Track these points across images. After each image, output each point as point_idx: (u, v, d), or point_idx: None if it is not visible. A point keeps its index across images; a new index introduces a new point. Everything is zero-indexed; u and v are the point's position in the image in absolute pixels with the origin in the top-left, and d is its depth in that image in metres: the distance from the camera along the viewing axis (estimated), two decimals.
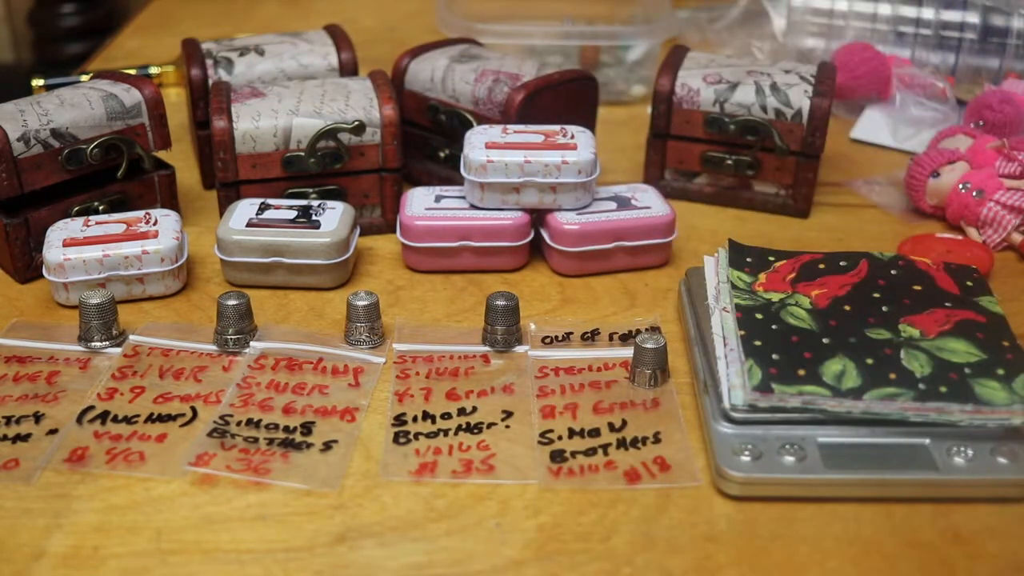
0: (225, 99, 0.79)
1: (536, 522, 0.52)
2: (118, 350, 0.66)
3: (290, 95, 0.80)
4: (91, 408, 0.60)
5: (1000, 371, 0.57)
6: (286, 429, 0.58)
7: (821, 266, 0.67)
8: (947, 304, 0.63)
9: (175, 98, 1.12)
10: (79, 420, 0.59)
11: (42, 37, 2.43)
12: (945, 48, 1.07)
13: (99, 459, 0.56)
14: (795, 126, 0.83)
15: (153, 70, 1.14)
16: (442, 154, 0.87)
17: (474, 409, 0.61)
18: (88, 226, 0.72)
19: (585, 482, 0.55)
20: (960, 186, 0.83)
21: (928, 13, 1.08)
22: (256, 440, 0.57)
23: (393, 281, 0.76)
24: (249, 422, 0.59)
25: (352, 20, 1.19)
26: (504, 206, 0.76)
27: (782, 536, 0.52)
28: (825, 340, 0.60)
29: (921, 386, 0.56)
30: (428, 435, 0.58)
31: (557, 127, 0.78)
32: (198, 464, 0.55)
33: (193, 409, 0.60)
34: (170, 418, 0.59)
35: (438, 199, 0.77)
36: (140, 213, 0.74)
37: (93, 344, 0.66)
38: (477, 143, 0.75)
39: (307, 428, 0.59)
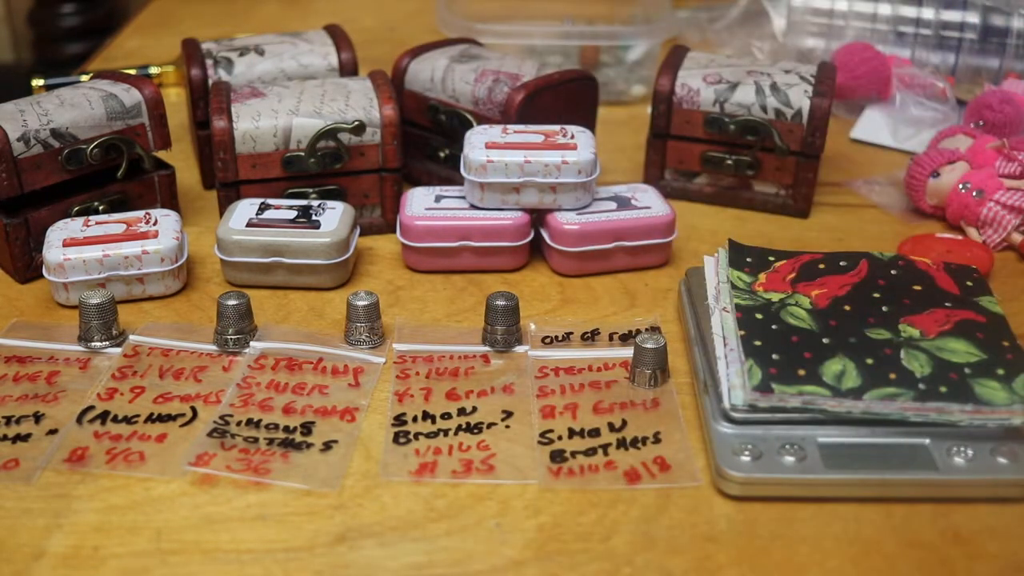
0: (225, 99, 0.79)
1: (536, 522, 0.52)
2: (118, 350, 0.66)
3: (290, 95, 0.80)
4: (91, 408, 0.60)
5: (1000, 371, 0.57)
6: (286, 429, 0.58)
7: (821, 266, 0.67)
8: (947, 304, 0.63)
9: (175, 98, 1.12)
10: (79, 420, 0.59)
11: (42, 37, 2.43)
12: (945, 48, 1.07)
13: (99, 459, 0.56)
14: (795, 126, 0.83)
15: (153, 70, 1.14)
16: (442, 154, 0.87)
17: (474, 409, 0.61)
18: (88, 226, 0.72)
19: (585, 482, 0.55)
20: (960, 186, 0.83)
21: (928, 13, 1.08)
22: (256, 440, 0.57)
23: (393, 281, 0.76)
24: (249, 422, 0.59)
25: (352, 20, 1.19)
26: (504, 206, 0.76)
27: (782, 536, 0.52)
28: (825, 340, 0.60)
29: (921, 386, 0.56)
30: (428, 435, 0.58)
31: (557, 127, 0.78)
32: (198, 464, 0.55)
33: (193, 409, 0.60)
34: (170, 418, 0.59)
35: (438, 199, 0.77)
36: (140, 213, 0.74)
37: (93, 344, 0.66)
38: (477, 143, 0.75)
39: (307, 428, 0.59)
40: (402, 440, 0.58)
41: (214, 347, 0.66)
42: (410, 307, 0.72)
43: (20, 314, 0.70)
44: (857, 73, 1.01)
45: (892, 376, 0.57)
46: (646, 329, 0.68)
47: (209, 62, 0.88)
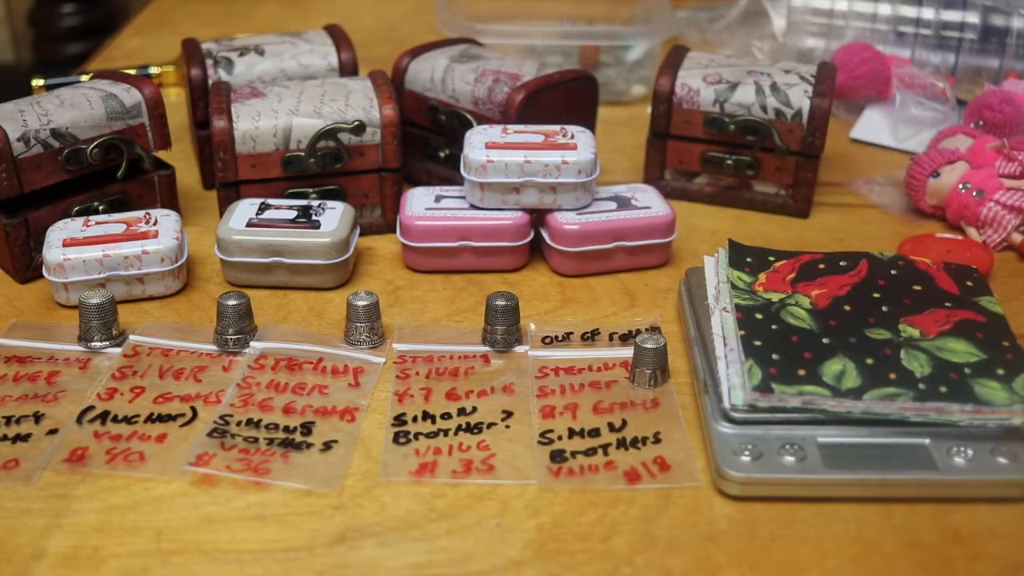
0: (225, 99, 0.79)
1: (536, 522, 0.52)
2: (118, 350, 0.66)
3: (290, 95, 0.80)
4: (91, 408, 0.60)
5: (1000, 371, 0.57)
6: (286, 429, 0.58)
7: (821, 266, 0.67)
8: (947, 304, 0.63)
9: (175, 98, 1.12)
10: (79, 420, 0.59)
11: (42, 37, 2.43)
12: (945, 48, 1.07)
13: (99, 459, 0.56)
14: (795, 126, 0.83)
15: (153, 70, 1.14)
16: (442, 154, 0.87)
17: (474, 409, 0.61)
18: (88, 226, 0.72)
19: (585, 482, 0.55)
20: (960, 186, 0.83)
21: (928, 13, 1.08)
22: (256, 440, 0.57)
23: (393, 281, 0.76)
24: (249, 422, 0.59)
25: (352, 20, 1.19)
26: (504, 206, 0.76)
27: (782, 536, 0.52)
28: (825, 340, 0.60)
29: (921, 386, 0.56)
30: (428, 435, 0.58)
31: (557, 127, 0.78)
32: (198, 464, 0.55)
33: (193, 409, 0.60)
34: (170, 418, 0.59)
35: (438, 199, 0.77)
36: (140, 213, 0.74)
37: (93, 344, 0.66)
38: (477, 143, 0.75)
39: (307, 428, 0.59)
40: (402, 440, 0.58)
41: (214, 347, 0.66)
42: (410, 307, 0.72)
43: (20, 314, 0.70)
44: (857, 73, 1.01)
45: (892, 376, 0.57)
46: (646, 329, 0.68)
47: (209, 62, 0.88)
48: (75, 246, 0.70)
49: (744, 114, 0.84)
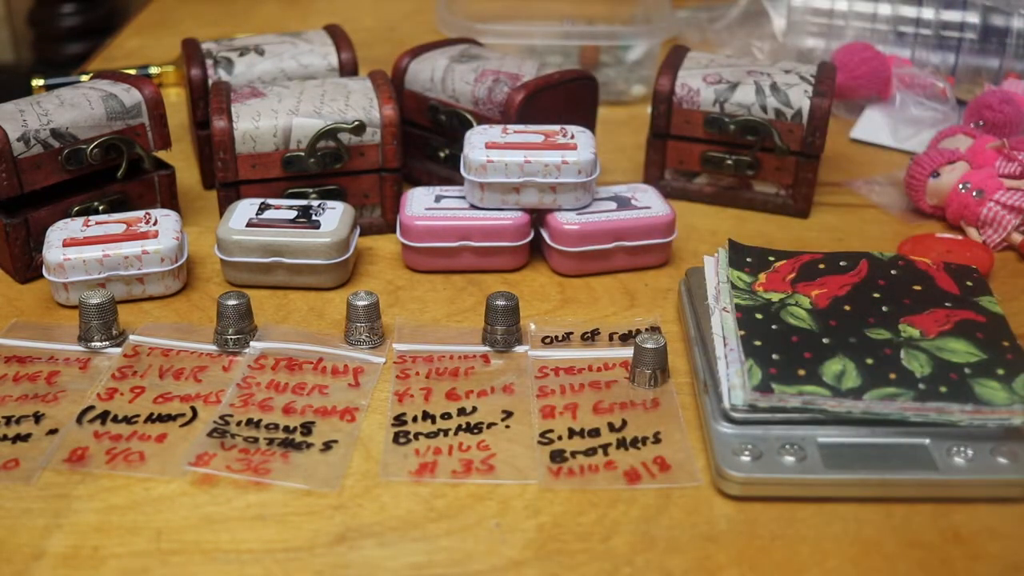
0: (225, 99, 0.79)
1: (536, 522, 0.52)
2: (118, 350, 0.66)
3: (290, 95, 0.80)
4: (91, 408, 0.60)
5: (1000, 371, 0.57)
6: (286, 429, 0.58)
7: (821, 266, 0.67)
8: (947, 304, 0.63)
9: (175, 98, 1.12)
10: (79, 420, 0.59)
11: (42, 37, 2.43)
12: (945, 48, 1.07)
13: (99, 459, 0.56)
14: (795, 126, 0.83)
15: (153, 70, 1.14)
16: (442, 154, 0.87)
17: (474, 409, 0.61)
18: (88, 226, 0.72)
19: (585, 482, 0.55)
20: (960, 186, 0.83)
21: (928, 13, 1.08)
22: (256, 440, 0.57)
23: (393, 281, 0.76)
24: (249, 422, 0.59)
25: (352, 20, 1.19)
26: (504, 206, 0.76)
27: (782, 536, 0.52)
28: (825, 340, 0.60)
29: (921, 386, 0.56)
30: (428, 435, 0.58)
31: (557, 127, 0.78)
32: (198, 464, 0.55)
33: (193, 409, 0.60)
34: (170, 418, 0.59)
35: (438, 199, 0.77)
36: (140, 213, 0.74)
37: (93, 344, 0.66)
38: (477, 143, 0.75)
39: (307, 428, 0.59)
40: (402, 440, 0.58)
41: (214, 347, 0.66)
42: (410, 307, 0.72)
43: (20, 314, 0.70)
44: (857, 73, 1.01)
45: (892, 376, 0.57)
46: (646, 329, 0.68)
47: (209, 62, 0.88)
48: (75, 246, 0.70)
49: (744, 114, 0.84)
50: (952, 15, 1.06)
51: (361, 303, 0.66)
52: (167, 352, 0.66)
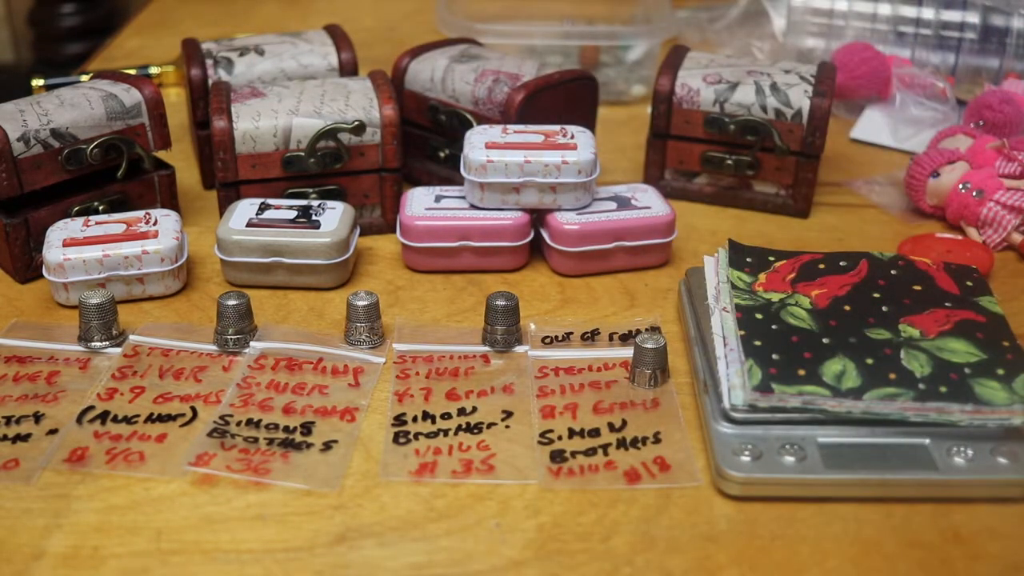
0: (225, 99, 0.79)
1: (536, 522, 0.52)
2: (118, 350, 0.66)
3: (290, 95, 0.80)
4: (91, 408, 0.60)
5: (1000, 371, 0.57)
6: (286, 429, 0.58)
7: (821, 266, 0.67)
8: (947, 304, 0.63)
9: (175, 98, 1.12)
10: (79, 420, 0.59)
11: (42, 37, 2.43)
12: (945, 48, 1.07)
13: (99, 459, 0.56)
14: (795, 126, 0.83)
15: (153, 70, 1.14)
16: (442, 154, 0.87)
17: (474, 409, 0.61)
18: (88, 226, 0.72)
19: (585, 482, 0.55)
20: (960, 186, 0.83)
21: (928, 13, 1.08)
22: (256, 440, 0.57)
23: (393, 281, 0.76)
24: (249, 422, 0.59)
25: (352, 20, 1.19)
26: (504, 206, 0.76)
27: (782, 536, 0.52)
28: (825, 340, 0.60)
29: (921, 386, 0.56)
30: (428, 435, 0.58)
31: (557, 127, 0.78)
32: (198, 464, 0.55)
33: (193, 409, 0.60)
34: (170, 418, 0.59)
35: (438, 199, 0.77)
36: (140, 213, 0.74)
37: (93, 344, 0.66)
38: (477, 143, 0.75)
39: (307, 428, 0.59)
40: (402, 440, 0.58)
41: (214, 347, 0.66)
42: (410, 307, 0.72)
43: (20, 314, 0.70)
44: (857, 73, 1.01)
45: (892, 376, 0.57)
46: (646, 329, 0.68)
47: (209, 62, 0.88)
48: (75, 246, 0.70)
49: (744, 114, 0.84)
50: (952, 15, 1.06)
51: (361, 303, 0.66)
52: (167, 352, 0.66)
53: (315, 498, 0.54)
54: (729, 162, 0.86)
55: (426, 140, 0.88)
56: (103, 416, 0.59)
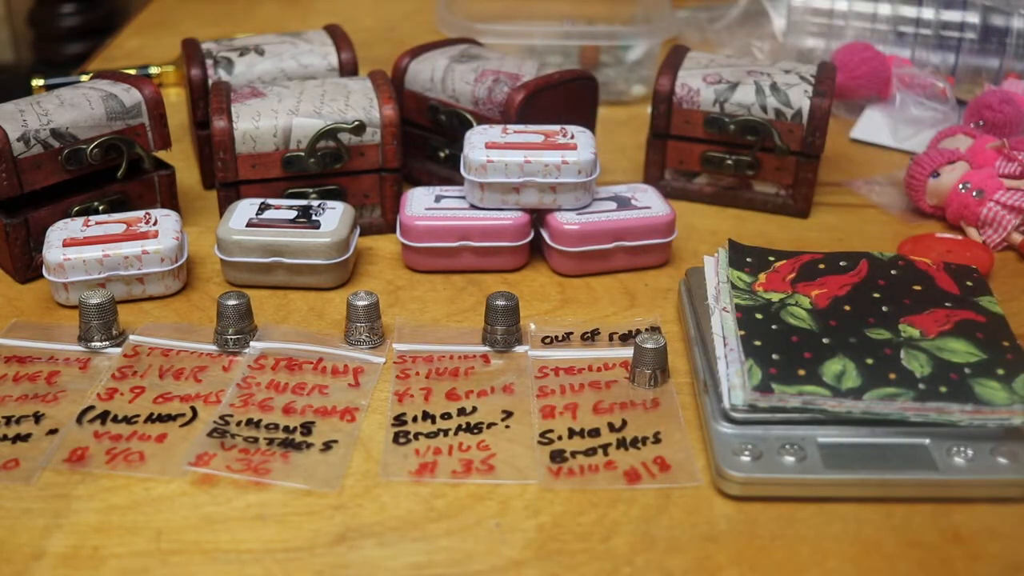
0: (225, 99, 0.79)
1: (536, 522, 0.52)
2: (118, 350, 0.66)
3: (290, 95, 0.80)
4: (91, 408, 0.60)
5: (1000, 371, 0.57)
6: (286, 429, 0.58)
7: (821, 266, 0.67)
8: (947, 304, 0.63)
9: (175, 98, 1.12)
10: (79, 420, 0.59)
11: (42, 37, 2.43)
12: (945, 48, 1.07)
13: (99, 459, 0.56)
14: (795, 126, 0.83)
15: (153, 70, 1.14)
16: (442, 154, 0.87)
17: (474, 409, 0.61)
18: (88, 226, 0.72)
19: (585, 482, 0.55)
20: (960, 186, 0.83)
21: (928, 13, 1.08)
22: (256, 440, 0.57)
23: (393, 281, 0.76)
24: (249, 422, 0.59)
25: (352, 20, 1.19)
26: (504, 206, 0.76)
27: (782, 536, 0.52)
28: (825, 340, 0.60)
29: (921, 386, 0.56)
30: (428, 435, 0.58)
31: (557, 127, 0.78)
32: (198, 464, 0.55)
33: (193, 409, 0.60)
34: (170, 418, 0.59)
35: (438, 199, 0.77)
36: (140, 213, 0.74)
37: (93, 344, 0.66)
38: (477, 143, 0.75)
39: (307, 428, 0.59)
40: (402, 440, 0.58)
41: (214, 347, 0.66)
42: (410, 307, 0.72)
43: (20, 314, 0.70)
44: (857, 73, 1.01)
45: (892, 376, 0.57)
46: (646, 329, 0.68)
47: (209, 62, 0.88)
48: (75, 246, 0.70)
49: (744, 114, 0.84)
50: (952, 15, 1.06)
51: (361, 303, 0.66)
52: (167, 352, 0.66)
53: (315, 498, 0.54)
54: (729, 162, 0.86)
55: (426, 140, 0.88)
56: (103, 416, 0.59)
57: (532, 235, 0.77)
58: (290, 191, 0.80)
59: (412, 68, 0.88)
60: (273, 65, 0.89)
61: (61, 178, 0.75)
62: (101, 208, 0.77)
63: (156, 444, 0.57)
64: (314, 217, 0.74)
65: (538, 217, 0.77)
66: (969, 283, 0.66)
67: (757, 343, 0.59)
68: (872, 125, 1.03)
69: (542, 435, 0.58)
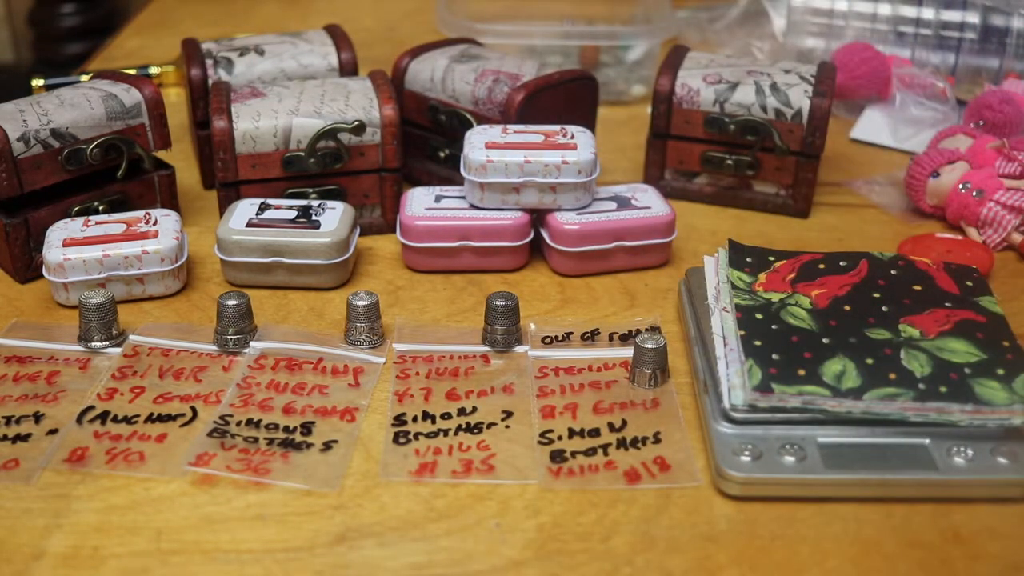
0: (225, 99, 0.79)
1: (536, 522, 0.52)
2: (118, 350, 0.66)
3: (290, 95, 0.80)
4: (91, 408, 0.60)
5: (1000, 371, 0.57)
6: (286, 429, 0.58)
7: (821, 266, 0.67)
8: (947, 304, 0.63)
9: (175, 98, 1.12)
10: (79, 420, 0.59)
11: (42, 37, 2.43)
12: (945, 48, 1.07)
13: (99, 459, 0.56)
14: (795, 126, 0.83)
15: (153, 70, 1.14)
16: (442, 154, 0.87)
17: (474, 409, 0.61)
18: (88, 226, 0.72)
19: (585, 482, 0.55)
20: (960, 186, 0.83)
21: (928, 13, 1.08)
22: (256, 440, 0.57)
23: (393, 281, 0.76)
24: (249, 422, 0.59)
25: (352, 20, 1.19)
26: (504, 206, 0.76)
27: (782, 536, 0.52)
28: (825, 340, 0.60)
29: (921, 386, 0.56)
30: (428, 435, 0.58)
31: (557, 127, 0.78)
32: (198, 464, 0.55)
33: (193, 409, 0.60)
34: (170, 418, 0.59)
35: (438, 199, 0.77)
36: (140, 213, 0.74)
37: (93, 344, 0.66)
38: (477, 143, 0.75)
39: (307, 428, 0.59)
40: (402, 440, 0.58)
41: (214, 347, 0.66)
42: (410, 307, 0.72)
43: (20, 314, 0.70)
44: (857, 73, 1.01)
45: (892, 376, 0.57)
46: (646, 329, 0.68)
47: (209, 62, 0.88)
48: (75, 246, 0.70)
49: (744, 114, 0.84)
50: (952, 15, 1.06)
51: (361, 303, 0.66)
52: (167, 352, 0.66)
53: (315, 498, 0.54)
54: (729, 162, 0.86)
55: (426, 140, 0.88)
56: (103, 416, 0.59)
57: (532, 235, 0.77)
58: (290, 191, 0.80)
59: (412, 68, 0.88)
60: (273, 65, 0.89)
61: (61, 178, 0.75)
62: (101, 208, 0.77)
63: (156, 444, 0.57)
64: (314, 217, 0.74)
65: (538, 217, 0.77)
66: (969, 283, 0.66)
67: (757, 343, 0.59)
68: (872, 125, 1.03)
69: (542, 435, 0.58)
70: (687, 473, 0.55)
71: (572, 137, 0.76)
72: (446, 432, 0.59)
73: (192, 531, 0.51)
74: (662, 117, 0.87)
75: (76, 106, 0.75)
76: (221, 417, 0.59)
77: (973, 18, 1.05)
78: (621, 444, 0.57)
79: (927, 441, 0.55)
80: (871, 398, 0.56)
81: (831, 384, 0.56)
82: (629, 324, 0.69)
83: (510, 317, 0.66)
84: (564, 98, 0.85)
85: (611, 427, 0.59)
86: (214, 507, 0.53)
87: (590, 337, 0.68)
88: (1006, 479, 0.54)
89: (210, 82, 0.87)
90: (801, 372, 0.57)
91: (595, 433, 0.58)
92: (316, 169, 0.79)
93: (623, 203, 0.77)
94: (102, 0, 2.44)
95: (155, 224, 0.73)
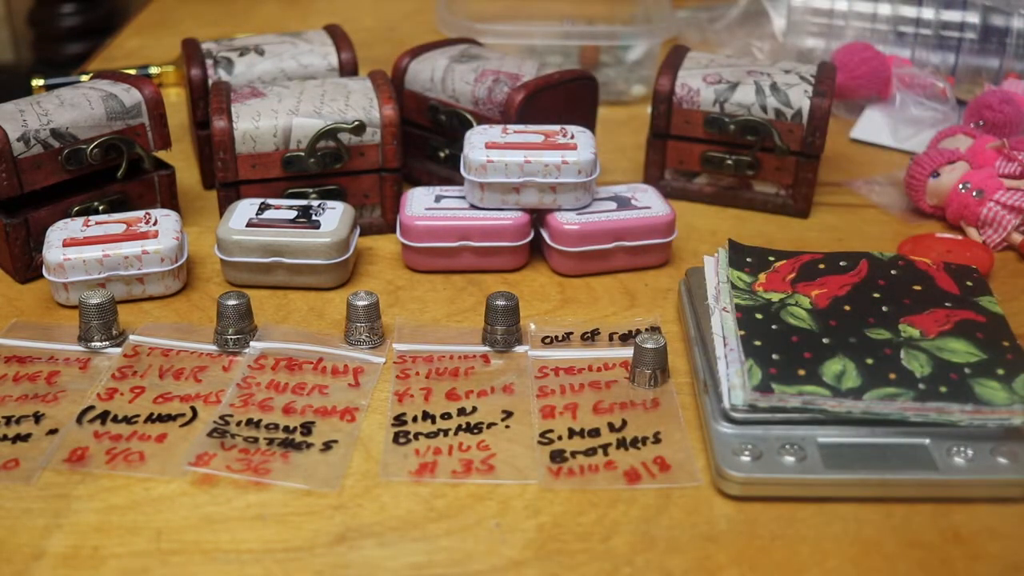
0: (225, 99, 0.79)
1: (536, 522, 0.52)
2: (118, 350, 0.66)
3: (290, 95, 0.80)
4: (91, 408, 0.60)
5: (1000, 371, 0.57)
6: (286, 429, 0.58)
7: (821, 266, 0.67)
8: (947, 304, 0.63)
9: (175, 98, 1.12)
10: (79, 420, 0.59)
11: (42, 37, 2.43)
12: (945, 48, 1.07)
13: (99, 459, 0.56)
14: (795, 126, 0.83)
15: (153, 70, 1.14)
16: (442, 154, 0.87)
17: (474, 409, 0.61)
18: (88, 226, 0.72)
19: (585, 482, 0.55)
20: (960, 186, 0.83)
21: (928, 13, 1.08)
22: (256, 440, 0.57)
23: (393, 281, 0.76)
24: (249, 422, 0.59)
25: (352, 20, 1.19)
26: (504, 206, 0.76)
27: (782, 536, 0.52)
28: (825, 340, 0.60)
29: (921, 386, 0.56)
30: (428, 435, 0.58)
31: (557, 127, 0.78)
32: (198, 464, 0.55)
33: (193, 409, 0.60)
34: (170, 418, 0.59)
35: (438, 199, 0.77)
36: (140, 213, 0.74)
37: (93, 344, 0.66)
38: (477, 143, 0.75)
39: (307, 428, 0.59)
40: (402, 440, 0.58)
41: (214, 347, 0.66)
42: (410, 307, 0.72)
43: (20, 314, 0.70)
44: (857, 73, 1.01)
45: (892, 376, 0.57)
46: (646, 329, 0.68)
47: (209, 62, 0.88)
48: (75, 246, 0.70)
49: (744, 114, 0.84)
50: (952, 15, 1.06)
51: (361, 303, 0.66)
52: (167, 352, 0.66)
53: (315, 498, 0.54)
54: (729, 162, 0.86)
55: (426, 140, 0.89)
56: (103, 416, 0.59)
57: (532, 235, 0.77)
58: (290, 191, 0.80)
59: (412, 68, 0.88)
60: (273, 65, 0.89)
61: (61, 178, 0.75)
62: (101, 208, 0.77)
63: (156, 444, 0.57)
64: (314, 217, 0.74)
65: (538, 217, 0.77)
66: (969, 283, 0.66)
67: (757, 343, 0.59)
68: (872, 125, 1.03)
69: (542, 435, 0.58)
70: (687, 473, 0.55)
71: (572, 137, 0.76)
72: (446, 432, 0.59)
73: (192, 531, 0.51)
74: (662, 117, 0.87)
75: (76, 106, 0.75)
76: (221, 417, 0.59)
77: (973, 18, 1.05)
78: (621, 444, 0.57)
79: (927, 441, 0.55)
80: (871, 398, 0.56)
81: (831, 384, 0.56)
82: (629, 324, 0.69)
83: (510, 317, 0.66)
84: (564, 98, 0.85)
85: (611, 427, 0.59)
86: (214, 507, 0.53)
87: (590, 337, 0.68)
88: (1006, 479, 0.54)
89: (210, 82, 0.87)
90: (801, 372, 0.57)
91: (595, 433, 0.58)
92: (316, 169, 0.79)
93: (623, 203, 0.77)
94: (102, 0, 2.44)
95: (155, 224, 0.73)
